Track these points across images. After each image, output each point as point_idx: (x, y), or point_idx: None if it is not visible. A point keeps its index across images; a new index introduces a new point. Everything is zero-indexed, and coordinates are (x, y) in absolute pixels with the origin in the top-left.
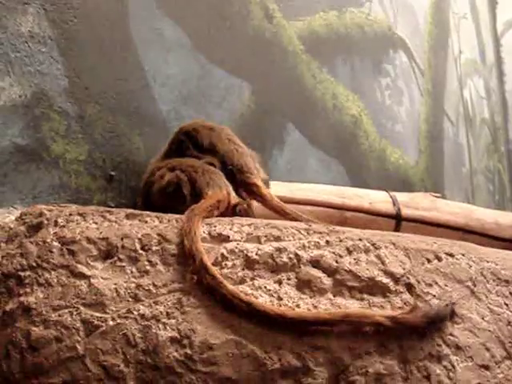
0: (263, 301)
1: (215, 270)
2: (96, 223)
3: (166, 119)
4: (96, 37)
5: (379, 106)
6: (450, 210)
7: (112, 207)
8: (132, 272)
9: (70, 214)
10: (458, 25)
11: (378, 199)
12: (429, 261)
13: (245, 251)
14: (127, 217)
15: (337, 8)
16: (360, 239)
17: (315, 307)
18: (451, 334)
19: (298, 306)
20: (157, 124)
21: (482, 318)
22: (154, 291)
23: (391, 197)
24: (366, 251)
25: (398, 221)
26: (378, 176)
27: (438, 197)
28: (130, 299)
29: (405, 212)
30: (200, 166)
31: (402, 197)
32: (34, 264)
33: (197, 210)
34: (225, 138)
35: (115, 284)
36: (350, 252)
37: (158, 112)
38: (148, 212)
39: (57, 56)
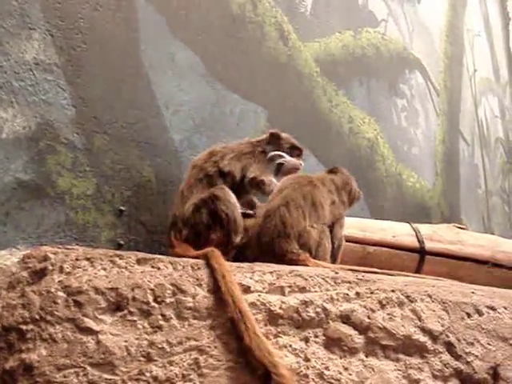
0: (288, 362)
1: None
2: (105, 269)
3: (179, 149)
4: (105, 63)
5: (395, 129)
6: (476, 242)
7: (122, 245)
8: (144, 327)
9: (77, 259)
10: (472, 43)
11: (400, 232)
12: (469, 316)
13: (267, 304)
14: (138, 262)
15: (353, 28)
16: (393, 290)
17: (345, 369)
18: None
19: (327, 367)
20: (169, 154)
21: None
22: (169, 350)
23: (414, 229)
24: (400, 305)
25: (421, 255)
26: (394, 201)
27: (462, 228)
28: (142, 359)
29: (428, 245)
30: None
31: (425, 229)
32: (37, 317)
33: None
34: None
35: (126, 341)
36: (382, 306)
37: (169, 141)
38: (160, 256)
39: (64, 84)
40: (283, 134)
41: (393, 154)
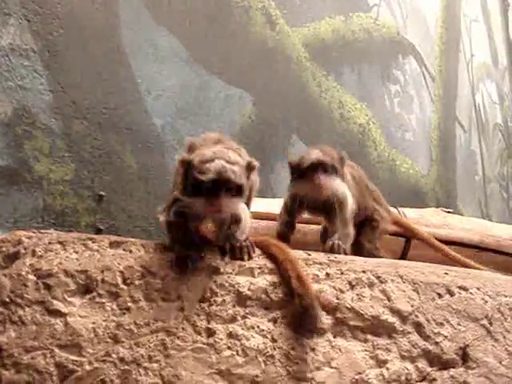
0: (255, 343)
1: None
2: (76, 252)
3: (161, 134)
4: (84, 48)
5: (388, 115)
6: (463, 226)
7: (101, 230)
8: (112, 309)
9: (50, 243)
10: (469, 28)
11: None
12: (440, 296)
13: (236, 285)
14: (111, 245)
15: (343, 13)
16: (364, 271)
17: (312, 350)
18: (465, 382)
19: (293, 348)
20: (150, 139)
21: (500, 362)
22: (136, 331)
23: (400, 213)
24: (370, 285)
25: (407, 239)
26: (387, 187)
27: (449, 212)
28: (109, 340)
29: None
30: None
31: (411, 213)
32: (7, 299)
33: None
34: None
35: (93, 323)
36: (352, 287)
37: (151, 127)
38: (134, 240)
39: (40, 70)
40: None
41: (385, 139)
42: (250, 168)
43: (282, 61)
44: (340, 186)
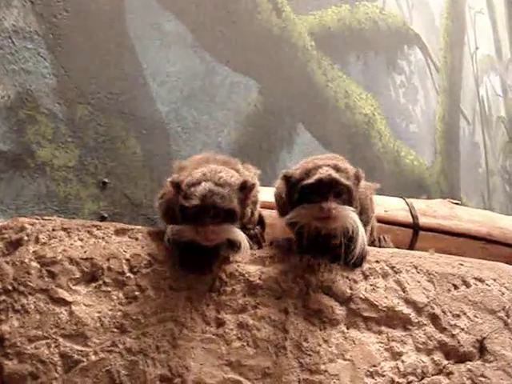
0: (266, 334)
1: None
2: (81, 240)
3: (166, 121)
4: (89, 32)
5: (393, 105)
6: (471, 217)
7: (105, 218)
8: (118, 298)
9: (53, 230)
10: (474, 20)
11: (393, 207)
12: (456, 287)
13: (246, 274)
14: (116, 232)
15: (349, 1)
16: (377, 261)
17: (325, 341)
18: (482, 375)
19: (306, 339)
20: (155, 126)
21: None
22: (143, 321)
23: (408, 204)
24: (385, 276)
25: (415, 230)
26: (392, 178)
27: (457, 203)
28: (116, 330)
29: (422, 221)
30: None
31: (418, 204)
32: (10, 287)
33: None
34: None
35: (99, 312)
36: (365, 277)
37: (156, 113)
38: (139, 227)
39: (44, 53)
40: None
41: (390, 130)
42: (245, 188)
43: (288, 49)
44: (354, 222)
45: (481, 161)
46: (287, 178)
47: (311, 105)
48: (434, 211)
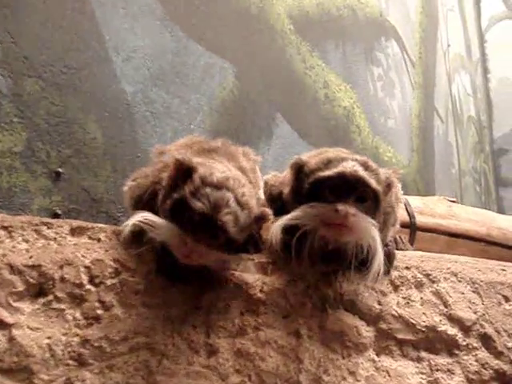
0: (273, 365)
1: None
2: (27, 241)
3: (132, 103)
4: None
5: (372, 99)
6: (469, 216)
7: (59, 215)
8: (75, 318)
9: None
10: (446, 16)
11: None
12: (507, 299)
13: (244, 286)
14: (72, 232)
15: None
16: (408, 267)
17: (351, 373)
18: None
19: (326, 371)
20: (119, 109)
21: None
22: (109, 349)
23: (404, 202)
24: (419, 286)
25: (412, 230)
26: None
27: (453, 202)
28: (71, 362)
29: (420, 220)
30: None
31: (415, 201)
32: None
33: None
34: None
35: (49, 338)
36: (396, 287)
37: (121, 93)
38: (103, 225)
39: None
40: None
41: (369, 125)
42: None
43: (266, 31)
44: (373, 240)
45: (454, 161)
46: (298, 167)
47: (290, 93)
48: (432, 210)
